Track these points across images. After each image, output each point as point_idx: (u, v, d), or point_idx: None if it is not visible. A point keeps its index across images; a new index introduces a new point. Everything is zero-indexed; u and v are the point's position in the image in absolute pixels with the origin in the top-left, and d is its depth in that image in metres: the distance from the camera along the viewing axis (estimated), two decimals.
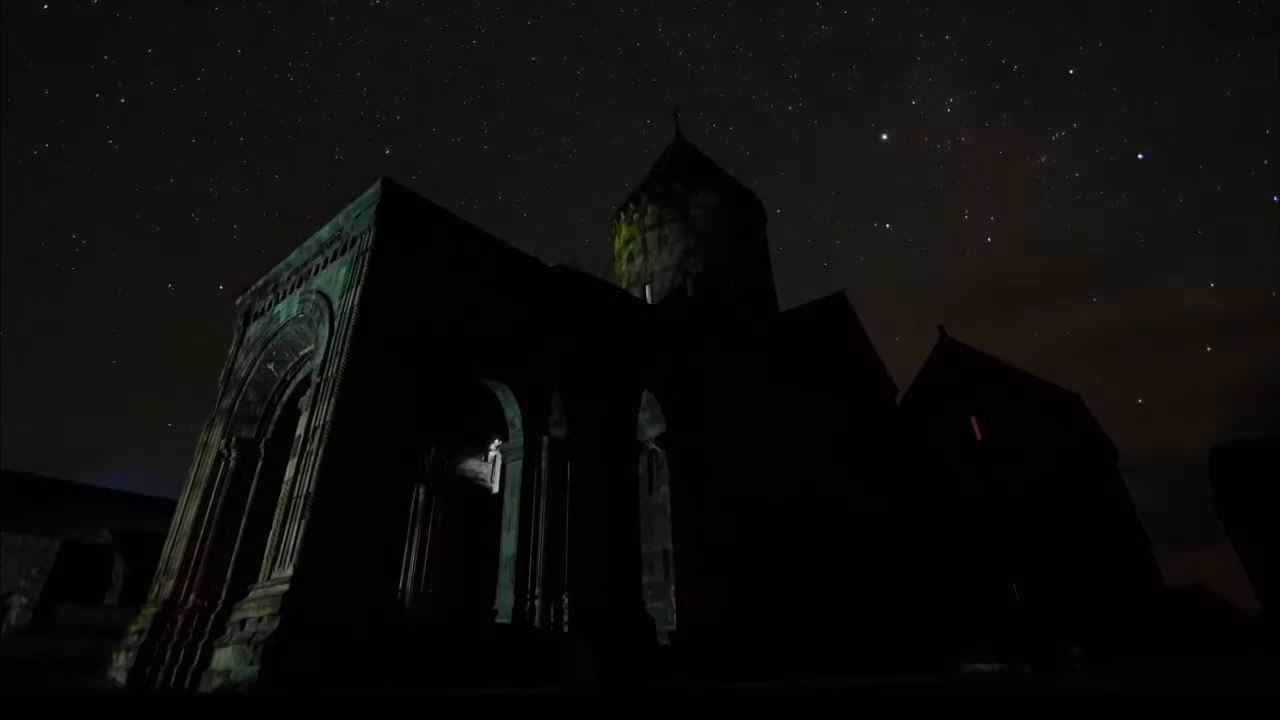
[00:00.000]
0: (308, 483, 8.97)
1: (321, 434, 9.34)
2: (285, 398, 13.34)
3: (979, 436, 26.39)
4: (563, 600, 11.19)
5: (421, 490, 15.06)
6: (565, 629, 10.87)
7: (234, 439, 12.90)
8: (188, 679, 9.45)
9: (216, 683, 7.75)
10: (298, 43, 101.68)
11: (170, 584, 11.55)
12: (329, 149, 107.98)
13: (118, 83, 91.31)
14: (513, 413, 12.58)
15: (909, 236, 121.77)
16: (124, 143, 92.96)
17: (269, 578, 8.60)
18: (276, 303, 13.31)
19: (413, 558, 14.36)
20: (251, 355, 13.37)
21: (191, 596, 11.37)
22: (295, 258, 13.03)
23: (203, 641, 10.05)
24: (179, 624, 10.80)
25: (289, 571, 8.29)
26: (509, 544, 11.54)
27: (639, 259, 24.06)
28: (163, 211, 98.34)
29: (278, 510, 9.22)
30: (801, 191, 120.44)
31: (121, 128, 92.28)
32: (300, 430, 9.82)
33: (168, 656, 10.15)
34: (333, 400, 9.56)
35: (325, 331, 10.82)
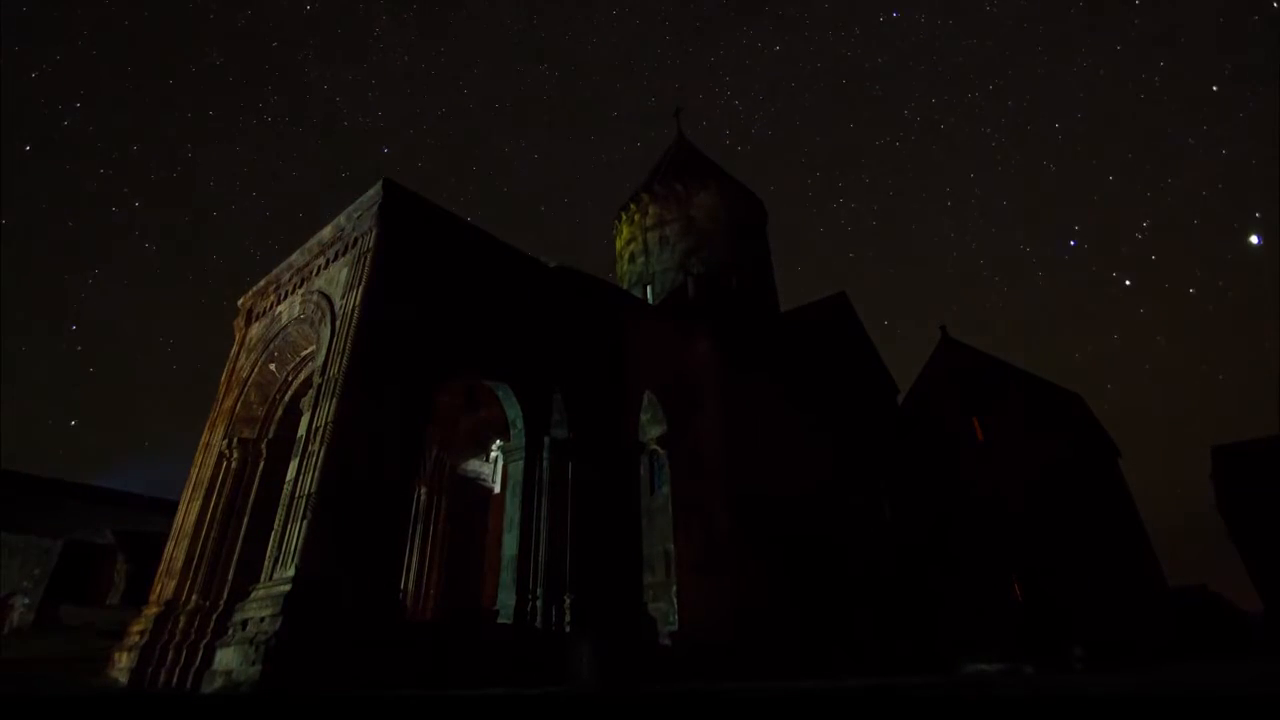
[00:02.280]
0: (309, 483, 8.97)
1: (323, 434, 9.34)
2: (287, 398, 13.35)
3: (980, 436, 26.37)
4: (564, 600, 11.18)
5: (423, 490, 15.08)
6: (567, 629, 10.86)
7: (236, 440, 12.91)
8: (190, 679, 9.46)
9: (219, 683, 7.75)
10: (257, 81, 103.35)
11: (172, 584, 11.56)
12: (331, 171, 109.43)
13: (124, 189, 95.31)
14: (514, 413, 12.58)
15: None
16: (159, 243, 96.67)
17: (271, 578, 8.61)
18: (278, 303, 13.32)
19: (414, 558, 14.38)
20: (253, 356, 13.38)
21: (193, 597, 11.38)
22: (297, 258, 13.04)
23: (205, 642, 10.05)
24: (181, 624, 10.80)
25: (291, 571, 8.30)
26: (510, 544, 11.54)
27: (640, 259, 24.07)
28: (226, 289, 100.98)
29: (279, 510, 9.22)
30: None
31: (149, 230, 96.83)
32: (302, 431, 9.82)
33: (169, 657, 10.15)
34: (334, 400, 9.56)
35: (327, 332, 10.82)
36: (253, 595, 8.69)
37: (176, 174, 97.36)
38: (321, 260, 12.28)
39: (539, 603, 11.01)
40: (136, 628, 11.08)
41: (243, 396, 13.25)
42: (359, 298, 10.51)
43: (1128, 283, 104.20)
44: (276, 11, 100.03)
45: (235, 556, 11.70)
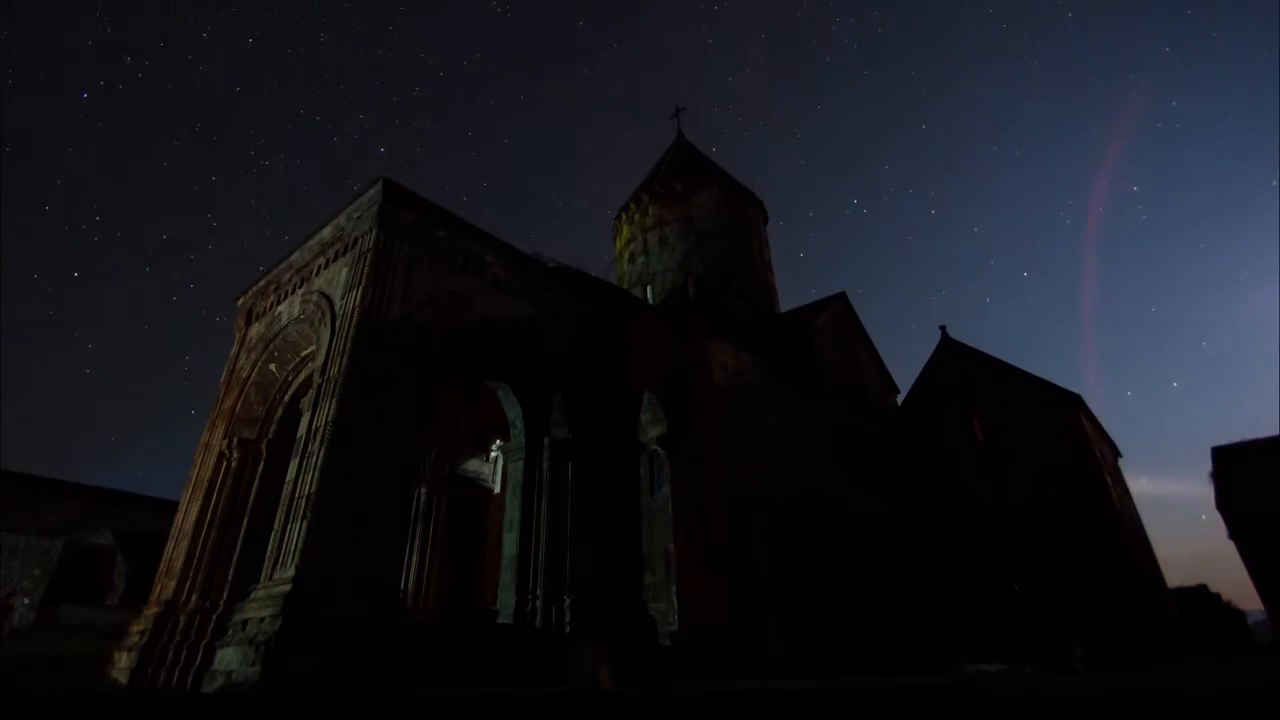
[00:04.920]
0: (309, 483, 8.96)
1: (323, 434, 9.33)
2: (287, 398, 13.34)
3: (980, 437, 26.33)
4: (564, 600, 11.18)
5: (423, 490, 15.08)
6: (567, 629, 10.86)
7: (236, 440, 12.90)
8: (190, 679, 9.45)
9: (218, 683, 7.75)
10: (240, 132, 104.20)
11: (172, 584, 11.56)
12: (339, 186, 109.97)
13: (164, 275, 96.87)
14: (514, 413, 12.57)
15: None
16: (157, 246, 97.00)
17: (271, 578, 8.60)
18: (278, 303, 13.30)
19: (414, 558, 14.38)
20: (253, 356, 13.37)
21: (193, 597, 11.37)
22: (297, 258, 13.03)
23: (205, 642, 10.04)
24: (181, 624, 10.80)
25: (291, 572, 8.29)
26: (510, 544, 11.54)
27: (640, 259, 24.07)
28: (226, 289, 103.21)
29: (279, 511, 9.22)
30: None
31: (149, 235, 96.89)
32: (302, 431, 9.82)
33: (169, 657, 10.15)
34: (334, 401, 9.55)
35: (327, 332, 10.81)
36: (253, 595, 8.69)
37: (206, 246, 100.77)
38: (321, 260, 12.27)
39: (539, 603, 11.01)
40: (136, 628, 11.07)
41: (243, 396, 13.24)
42: (359, 298, 10.50)
43: None
44: (225, 61, 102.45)
45: (235, 556, 11.69)
